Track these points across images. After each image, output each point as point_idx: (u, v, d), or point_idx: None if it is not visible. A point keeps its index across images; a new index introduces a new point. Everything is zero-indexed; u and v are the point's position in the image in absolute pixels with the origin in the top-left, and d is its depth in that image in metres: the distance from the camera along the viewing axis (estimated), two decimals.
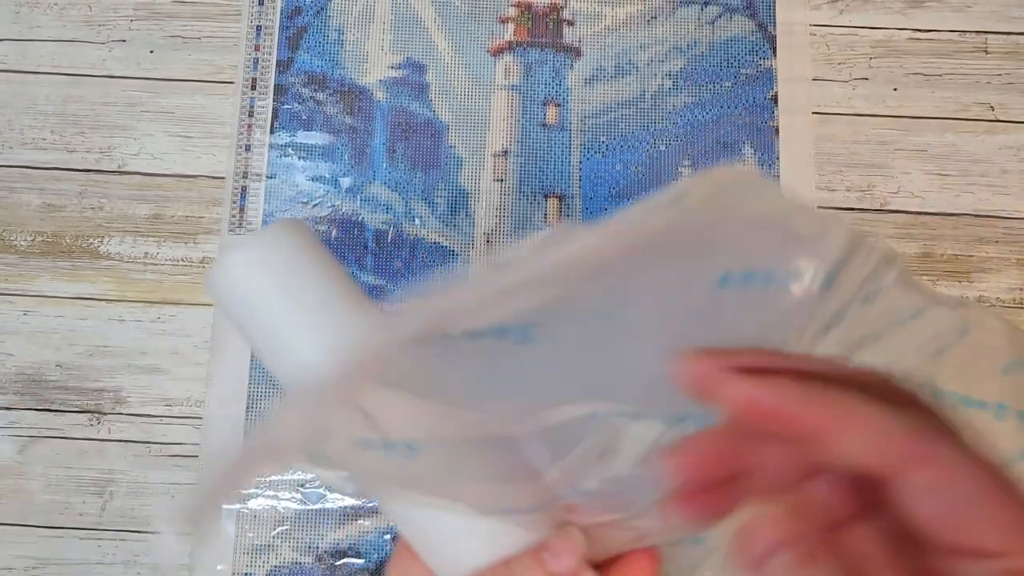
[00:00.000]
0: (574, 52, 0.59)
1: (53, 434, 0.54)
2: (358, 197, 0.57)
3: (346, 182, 0.57)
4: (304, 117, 0.58)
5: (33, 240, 0.56)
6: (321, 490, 0.53)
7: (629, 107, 0.58)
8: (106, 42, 0.59)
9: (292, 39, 0.59)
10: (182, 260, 0.56)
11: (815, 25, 0.59)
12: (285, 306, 0.26)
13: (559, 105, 0.58)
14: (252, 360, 0.54)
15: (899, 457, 0.19)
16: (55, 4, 0.59)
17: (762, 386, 0.20)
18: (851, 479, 0.21)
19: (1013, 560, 0.18)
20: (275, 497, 0.53)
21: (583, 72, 0.58)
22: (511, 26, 0.59)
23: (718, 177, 0.23)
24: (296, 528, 0.53)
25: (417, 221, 0.56)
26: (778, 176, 0.56)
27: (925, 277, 0.55)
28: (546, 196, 0.57)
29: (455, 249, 0.56)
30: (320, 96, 0.58)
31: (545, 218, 0.56)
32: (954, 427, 0.22)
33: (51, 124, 0.58)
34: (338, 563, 0.52)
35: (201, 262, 0.56)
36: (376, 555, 0.52)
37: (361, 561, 0.52)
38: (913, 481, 0.19)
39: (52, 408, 0.54)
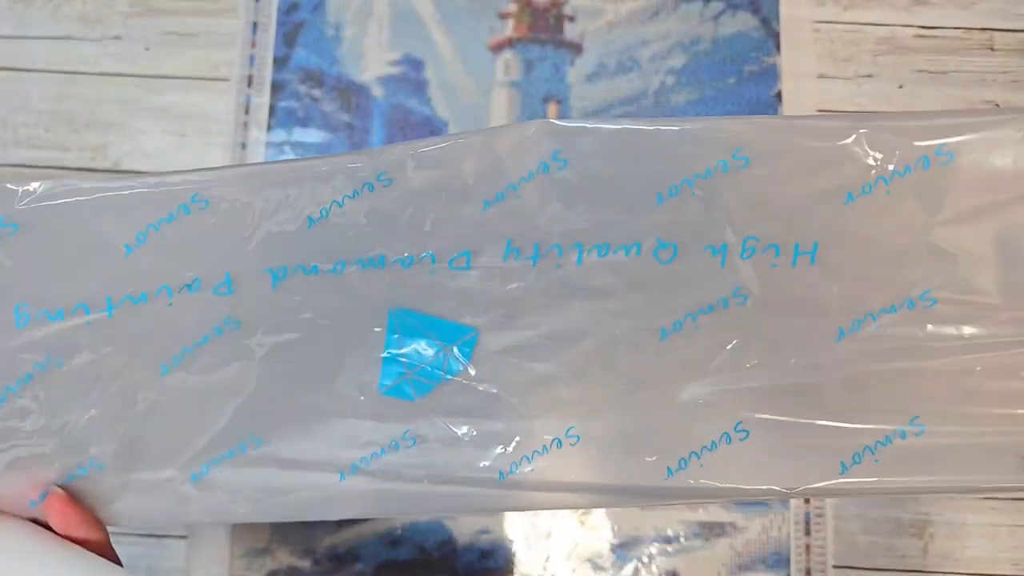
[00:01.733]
0: (575, 48, 0.58)
1: None
2: None
3: None
4: (301, 115, 0.57)
5: None
6: None
7: (631, 104, 0.57)
8: (101, 39, 0.58)
9: (289, 35, 0.58)
10: None
11: (819, 21, 0.58)
12: None
13: (560, 102, 0.57)
14: None
15: None
16: (49, 1, 0.58)
17: None
18: None
19: None
20: None
21: (584, 68, 0.57)
22: (511, 22, 0.58)
23: None
24: (293, 531, 0.52)
25: None
26: None
27: None
28: None
29: None
30: (317, 93, 0.57)
31: None
32: None
33: (45, 122, 0.57)
34: (336, 567, 0.52)
35: None
36: (374, 559, 0.52)
37: (359, 565, 0.52)
38: None
39: None
